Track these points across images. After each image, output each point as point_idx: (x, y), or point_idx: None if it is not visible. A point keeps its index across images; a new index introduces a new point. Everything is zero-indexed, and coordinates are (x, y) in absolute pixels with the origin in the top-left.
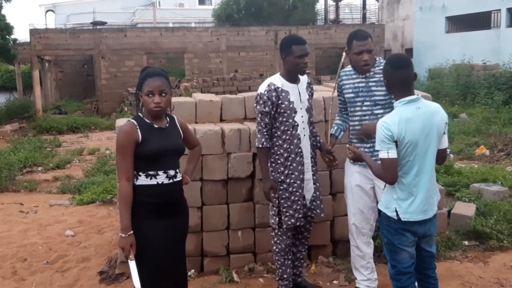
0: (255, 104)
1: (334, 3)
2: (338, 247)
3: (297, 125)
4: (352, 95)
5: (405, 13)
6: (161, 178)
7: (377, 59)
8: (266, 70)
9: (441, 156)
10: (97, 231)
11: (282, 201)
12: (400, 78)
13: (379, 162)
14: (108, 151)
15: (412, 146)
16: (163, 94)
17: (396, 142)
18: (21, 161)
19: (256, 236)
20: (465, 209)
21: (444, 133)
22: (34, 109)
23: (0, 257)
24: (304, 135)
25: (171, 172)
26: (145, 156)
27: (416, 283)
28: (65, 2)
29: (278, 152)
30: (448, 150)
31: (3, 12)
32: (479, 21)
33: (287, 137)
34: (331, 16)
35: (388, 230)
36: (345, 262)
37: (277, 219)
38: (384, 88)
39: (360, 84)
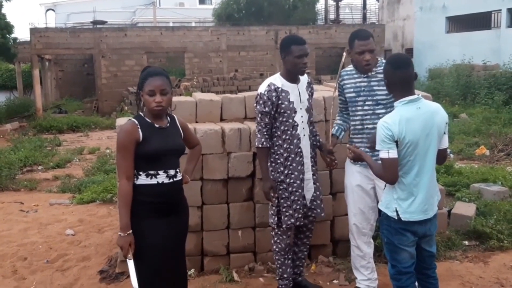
0: (255, 104)
1: (335, 3)
2: (338, 247)
3: (297, 125)
4: (353, 94)
5: (405, 13)
6: (162, 177)
7: (379, 59)
8: (266, 70)
9: (441, 156)
10: (97, 230)
11: (282, 200)
12: (401, 78)
13: (380, 162)
14: (108, 150)
15: (413, 146)
16: (165, 94)
17: (396, 142)
18: (21, 160)
19: (256, 235)
20: (465, 209)
21: (444, 133)
22: (34, 108)
23: (0, 256)
24: (304, 135)
25: (172, 172)
26: (146, 155)
27: (416, 283)
28: (66, 1)
29: (278, 152)
30: (448, 150)
31: (3, 11)
32: (479, 21)
33: (287, 137)
34: (331, 16)
35: (388, 230)
36: (345, 261)
37: (276, 218)
38: None
39: (362, 84)
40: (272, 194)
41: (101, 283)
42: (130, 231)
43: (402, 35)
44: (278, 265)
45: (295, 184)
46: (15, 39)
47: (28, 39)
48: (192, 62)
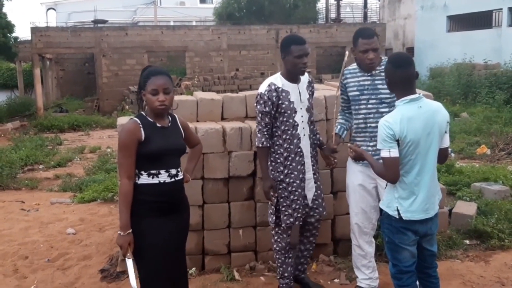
0: (255, 104)
1: (336, 2)
2: (339, 246)
3: (297, 125)
4: (357, 93)
5: (406, 12)
6: (163, 177)
7: (383, 58)
8: (267, 69)
9: (442, 155)
10: (98, 229)
11: (281, 200)
12: (402, 77)
13: (381, 161)
14: (109, 149)
15: (414, 145)
16: (168, 92)
17: (397, 141)
18: (22, 159)
19: (257, 234)
20: (466, 208)
21: (445, 132)
22: (35, 107)
23: (2, 255)
24: (304, 135)
25: (173, 171)
26: (148, 155)
27: (417, 282)
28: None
29: (278, 151)
30: (449, 149)
31: (4, 10)
32: (480, 20)
33: (287, 137)
34: (332, 14)
35: (389, 229)
36: (346, 260)
37: (275, 217)
38: None
39: (366, 82)
40: (272, 194)
41: (102, 282)
42: (130, 230)
43: (403, 34)
44: (278, 264)
45: (294, 184)
46: (16, 38)
47: (29, 38)
48: (193, 61)
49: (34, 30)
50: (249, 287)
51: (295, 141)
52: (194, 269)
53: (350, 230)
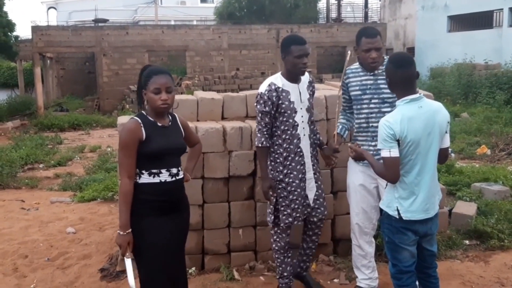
0: (255, 104)
1: (336, 2)
2: (339, 246)
3: (297, 125)
4: (359, 92)
5: (407, 12)
6: (164, 176)
7: (386, 57)
8: (268, 69)
9: (443, 155)
10: (98, 228)
11: (280, 199)
12: (403, 76)
13: (381, 161)
14: (109, 149)
15: (414, 145)
16: (169, 91)
17: (398, 140)
18: (23, 158)
19: (257, 234)
20: (466, 208)
21: (446, 132)
22: (35, 106)
23: (1, 254)
24: (304, 135)
25: (174, 170)
26: (149, 154)
27: (417, 282)
28: None
29: (278, 151)
30: (449, 149)
31: (5, 9)
32: (481, 20)
33: (287, 137)
34: (333, 14)
35: (389, 228)
36: (345, 260)
37: (273, 217)
38: None
39: (368, 82)
40: (271, 193)
41: (101, 281)
42: (129, 230)
43: (403, 34)
44: (277, 264)
45: (294, 184)
46: (16, 37)
47: (30, 37)
48: (193, 60)
49: (35, 29)
50: (249, 286)
51: (295, 141)
52: (193, 268)
53: (350, 230)
